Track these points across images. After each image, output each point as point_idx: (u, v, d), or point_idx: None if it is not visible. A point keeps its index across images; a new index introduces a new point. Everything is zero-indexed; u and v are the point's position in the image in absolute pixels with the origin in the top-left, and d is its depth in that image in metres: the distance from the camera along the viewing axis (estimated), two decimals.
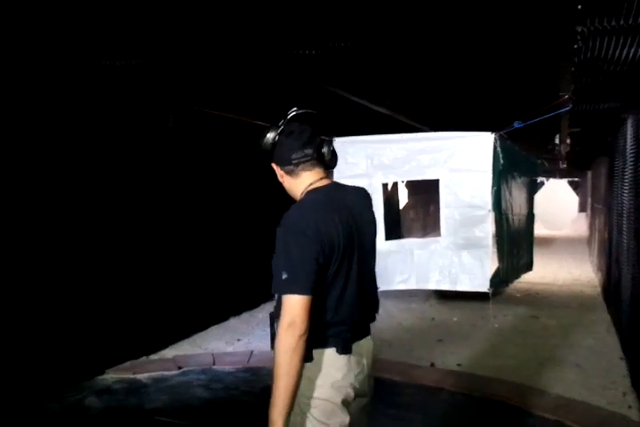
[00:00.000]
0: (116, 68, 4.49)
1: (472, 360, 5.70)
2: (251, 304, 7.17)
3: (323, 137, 2.09)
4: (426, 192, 16.64)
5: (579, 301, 9.07)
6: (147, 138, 5.29)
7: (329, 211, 1.95)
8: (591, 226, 10.17)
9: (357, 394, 2.00)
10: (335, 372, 1.90)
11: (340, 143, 6.08)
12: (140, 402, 4.35)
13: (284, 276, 1.80)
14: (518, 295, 8.42)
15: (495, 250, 6.19)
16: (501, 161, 5.70)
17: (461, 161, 5.72)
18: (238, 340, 6.14)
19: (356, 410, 2.02)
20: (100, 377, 4.80)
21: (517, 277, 6.85)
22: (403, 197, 10.29)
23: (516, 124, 5.39)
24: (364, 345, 2.08)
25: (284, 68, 4.95)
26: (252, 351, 5.55)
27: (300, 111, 2.06)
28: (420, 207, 15.53)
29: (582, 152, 9.69)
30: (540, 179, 8.49)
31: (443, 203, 5.86)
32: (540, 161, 7.89)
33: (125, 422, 4.06)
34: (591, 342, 6.46)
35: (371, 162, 6.02)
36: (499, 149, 5.63)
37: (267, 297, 6.91)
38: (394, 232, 5.99)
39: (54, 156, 4.33)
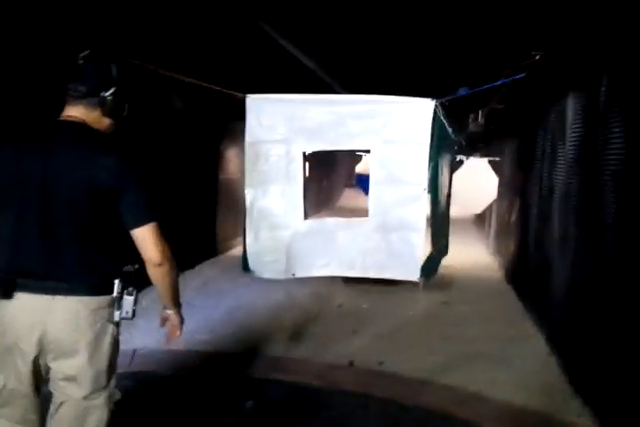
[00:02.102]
0: None
1: (394, 357, 5.07)
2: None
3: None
4: (322, 166, 15.86)
5: (485, 285, 8.81)
6: None
7: (17, 145, 2.14)
8: (489, 208, 10.01)
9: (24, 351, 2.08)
10: None
11: (253, 101, 5.09)
12: None
13: None
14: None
15: (429, 234, 5.53)
16: (439, 133, 5.00)
17: (397, 131, 4.95)
18: None
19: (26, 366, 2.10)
20: None
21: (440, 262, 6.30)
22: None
23: (462, 91, 4.70)
24: (43, 303, 2.06)
25: None
26: (134, 351, 4.51)
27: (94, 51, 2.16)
28: (314, 182, 14.63)
29: (499, 131, 9.39)
30: (459, 157, 8.02)
31: (373, 179, 5.08)
32: (456, 138, 7.39)
33: None
34: (512, 333, 6.08)
35: (291, 126, 5.09)
36: (440, 118, 4.91)
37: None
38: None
39: None
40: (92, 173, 2.06)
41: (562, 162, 5.42)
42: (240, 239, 6.02)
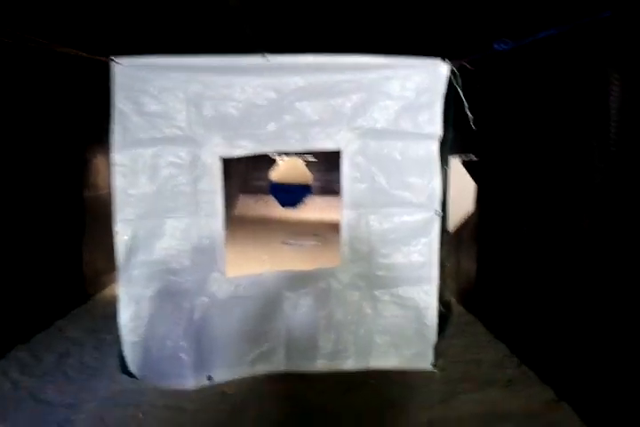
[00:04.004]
0: None
1: None
2: None
3: None
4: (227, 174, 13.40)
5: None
6: None
7: None
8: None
9: None
10: None
11: (124, 69, 2.81)
12: None
13: None
14: None
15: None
16: (452, 117, 2.98)
17: (385, 115, 2.90)
18: None
19: None
20: None
21: None
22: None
23: (499, 46, 2.70)
24: None
25: None
26: None
27: None
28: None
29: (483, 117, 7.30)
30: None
31: (346, 197, 2.98)
32: None
33: None
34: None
35: (198, 112, 2.87)
36: (459, 91, 2.87)
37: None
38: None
39: None
40: None
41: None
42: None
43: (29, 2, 3.49)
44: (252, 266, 6.60)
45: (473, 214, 6.13)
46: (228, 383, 3.10)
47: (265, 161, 9.39)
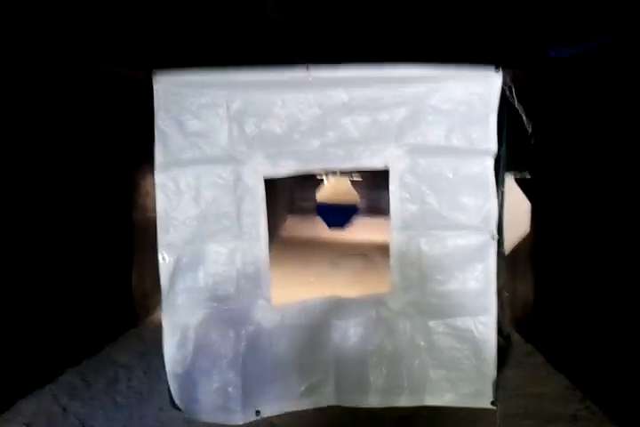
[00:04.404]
0: None
1: None
2: None
3: None
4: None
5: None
6: None
7: None
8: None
9: None
10: None
11: (166, 84, 2.75)
12: None
13: None
14: None
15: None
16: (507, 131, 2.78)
17: (436, 130, 2.72)
18: None
19: None
20: None
21: None
22: None
23: (556, 53, 2.50)
24: None
25: None
26: None
27: None
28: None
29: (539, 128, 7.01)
30: None
31: (395, 220, 2.80)
32: None
33: None
34: None
35: (238, 129, 2.77)
36: (514, 101, 2.67)
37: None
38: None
39: None
40: None
41: None
42: None
43: (69, 22, 3.50)
44: (300, 289, 6.47)
45: (529, 236, 5.81)
46: (277, 417, 2.94)
47: (311, 181, 9.29)
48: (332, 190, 7.83)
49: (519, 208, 5.83)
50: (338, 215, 7.88)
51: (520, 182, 5.75)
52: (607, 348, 3.50)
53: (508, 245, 6.37)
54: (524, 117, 2.68)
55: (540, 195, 5.37)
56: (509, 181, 6.09)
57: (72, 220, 4.65)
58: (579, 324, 3.95)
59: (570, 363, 4.23)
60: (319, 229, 10.53)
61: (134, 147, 5.53)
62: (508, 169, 6.24)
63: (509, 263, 6.16)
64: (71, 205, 4.62)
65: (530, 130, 2.61)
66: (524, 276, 5.72)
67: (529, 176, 6.02)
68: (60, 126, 4.34)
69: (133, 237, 6.24)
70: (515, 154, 6.48)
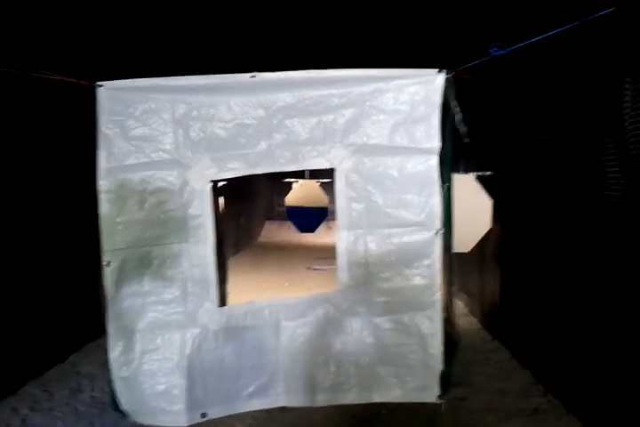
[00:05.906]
0: None
1: None
2: None
3: None
4: (238, 195, 12.66)
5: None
6: None
7: None
8: None
9: None
10: None
11: (109, 92, 2.75)
12: None
13: None
14: None
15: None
16: (451, 129, 2.81)
17: (379, 130, 2.75)
18: None
19: None
20: None
21: None
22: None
23: (495, 51, 2.54)
24: None
25: None
26: None
27: None
28: (230, 218, 11.12)
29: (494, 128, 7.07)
30: None
31: (342, 218, 2.82)
32: None
33: None
34: None
35: (185, 134, 2.77)
36: (454, 102, 2.70)
37: None
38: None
39: None
40: None
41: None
42: None
43: (13, 28, 3.48)
44: (273, 294, 6.42)
45: (494, 234, 5.85)
46: (223, 420, 2.93)
47: (290, 187, 9.23)
48: (301, 194, 7.77)
49: (482, 206, 5.86)
50: (308, 219, 7.82)
51: (482, 180, 5.80)
52: (569, 343, 3.54)
53: (472, 241, 6.41)
54: (457, 117, 2.71)
55: (501, 192, 5.41)
56: (471, 179, 6.11)
57: (35, 227, 4.58)
58: (542, 320, 3.98)
59: (534, 358, 4.27)
60: (296, 234, 10.51)
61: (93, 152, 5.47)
62: (469, 167, 6.30)
63: (477, 260, 6.21)
64: (33, 214, 4.56)
65: (463, 129, 2.64)
66: (490, 273, 5.75)
67: (488, 173, 6.07)
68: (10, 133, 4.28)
69: (99, 244, 6.12)
70: (474, 153, 6.53)
